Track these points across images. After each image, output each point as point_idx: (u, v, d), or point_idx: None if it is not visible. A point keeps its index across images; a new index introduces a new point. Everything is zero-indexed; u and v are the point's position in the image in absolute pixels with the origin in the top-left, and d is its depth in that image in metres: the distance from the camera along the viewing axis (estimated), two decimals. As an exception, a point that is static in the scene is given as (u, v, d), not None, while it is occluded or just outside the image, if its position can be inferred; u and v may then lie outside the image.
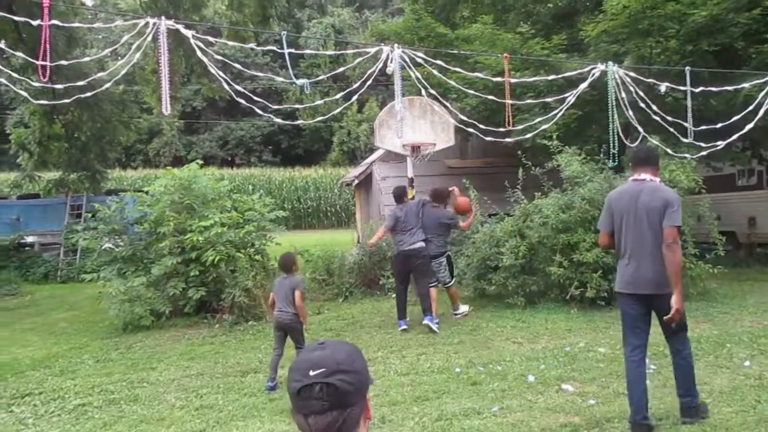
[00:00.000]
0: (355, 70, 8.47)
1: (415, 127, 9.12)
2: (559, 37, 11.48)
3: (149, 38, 5.41)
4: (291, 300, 5.84)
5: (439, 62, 8.14)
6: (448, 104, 9.18)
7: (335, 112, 9.32)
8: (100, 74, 6.92)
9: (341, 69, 8.56)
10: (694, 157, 9.25)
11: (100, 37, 27.70)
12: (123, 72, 6.24)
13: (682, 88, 8.63)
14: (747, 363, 5.75)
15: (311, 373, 1.29)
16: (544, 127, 9.10)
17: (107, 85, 6.89)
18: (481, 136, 8.71)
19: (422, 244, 7.99)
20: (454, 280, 8.62)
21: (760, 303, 8.68)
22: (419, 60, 7.79)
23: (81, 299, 11.71)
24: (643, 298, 4.32)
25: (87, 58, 9.13)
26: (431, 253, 8.12)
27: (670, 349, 4.45)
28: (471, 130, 8.75)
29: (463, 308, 8.57)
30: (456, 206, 8.42)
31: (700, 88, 8.60)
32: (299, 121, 10.56)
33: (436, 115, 9.17)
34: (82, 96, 6.71)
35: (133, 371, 6.64)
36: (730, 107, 9.32)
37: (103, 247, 10.34)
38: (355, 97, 8.12)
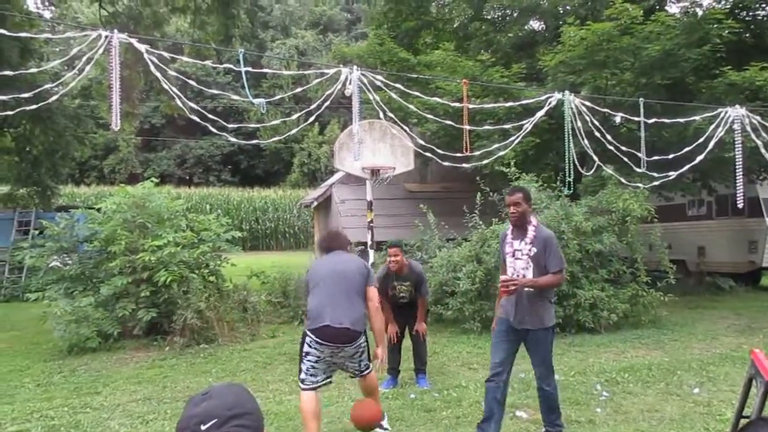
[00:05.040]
0: (317, 92, 8.41)
1: (375, 150, 9.12)
2: (518, 66, 11.69)
3: (101, 51, 5.27)
4: None
5: (398, 86, 8.17)
6: (407, 129, 9.22)
7: (293, 132, 9.25)
8: (48, 85, 6.70)
9: (300, 89, 8.49)
10: (647, 186, 9.47)
11: (57, 50, 27.15)
12: (72, 84, 6.07)
13: (635, 119, 8.85)
14: (696, 390, 5.83)
15: (203, 427, 1.21)
16: (501, 153, 9.21)
17: (55, 97, 6.65)
18: (439, 161, 8.74)
19: None
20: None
21: (709, 330, 8.88)
22: (379, 83, 7.81)
23: (24, 319, 11.25)
24: None
25: (34, 69, 8.82)
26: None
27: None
28: (429, 155, 8.78)
29: None
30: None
31: (653, 120, 8.83)
32: (256, 141, 10.41)
33: (395, 138, 9.20)
34: (31, 108, 6.49)
35: (76, 396, 6.36)
36: (682, 139, 9.60)
37: (50, 265, 9.98)
38: (312, 118, 8.09)
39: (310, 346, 4.36)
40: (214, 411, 1.22)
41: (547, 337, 4.56)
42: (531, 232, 4.50)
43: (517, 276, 4.44)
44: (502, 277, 4.49)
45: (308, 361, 4.38)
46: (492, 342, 4.65)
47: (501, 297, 4.59)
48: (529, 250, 4.46)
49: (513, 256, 4.55)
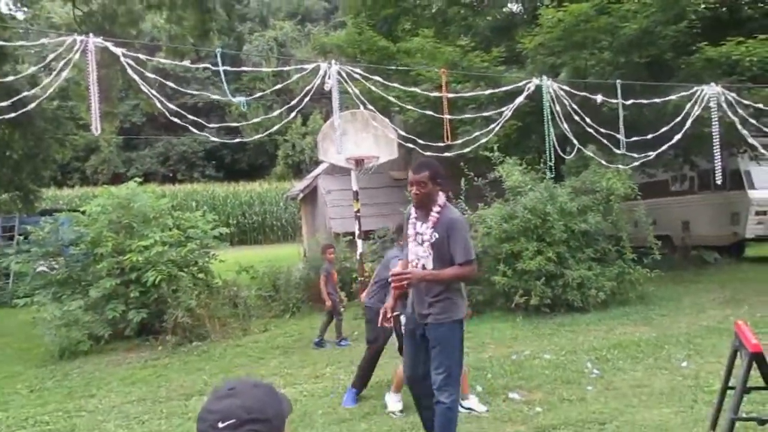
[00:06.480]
0: (297, 84, 8.35)
1: (358, 140, 9.10)
2: (498, 49, 11.68)
3: (77, 55, 5.23)
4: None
5: (377, 78, 8.14)
6: (387, 120, 9.20)
7: (277, 127, 9.17)
8: (26, 93, 6.62)
9: (281, 85, 8.45)
10: (628, 167, 9.56)
11: (32, 52, 26.78)
12: (52, 89, 6.02)
13: (614, 100, 8.91)
14: (684, 364, 5.94)
15: (220, 425, 1.24)
16: (483, 140, 9.24)
17: (34, 104, 6.57)
18: (421, 151, 8.76)
19: None
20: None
21: (695, 304, 9.02)
22: (357, 76, 7.79)
23: (13, 325, 11.18)
24: None
25: (11, 77, 8.73)
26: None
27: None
28: (411, 145, 8.79)
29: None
30: None
31: (631, 101, 8.89)
32: (239, 139, 10.35)
33: (378, 128, 9.20)
34: (11, 116, 6.42)
35: (69, 400, 6.36)
36: (661, 117, 9.67)
37: (36, 271, 9.92)
38: (294, 113, 8.05)
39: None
40: (234, 411, 1.25)
41: (452, 334, 3.81)
42: (434, 214, 3.76)
43: (416, 265, 3.80)
44: (393, 271, 3.88)
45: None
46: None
47: (395, 293, 4.01)
48: (430, 235, 3.75)
49: (415, 240, 3.85)
